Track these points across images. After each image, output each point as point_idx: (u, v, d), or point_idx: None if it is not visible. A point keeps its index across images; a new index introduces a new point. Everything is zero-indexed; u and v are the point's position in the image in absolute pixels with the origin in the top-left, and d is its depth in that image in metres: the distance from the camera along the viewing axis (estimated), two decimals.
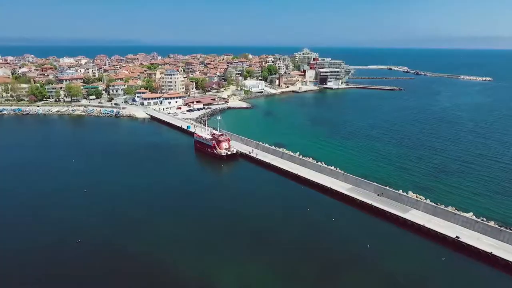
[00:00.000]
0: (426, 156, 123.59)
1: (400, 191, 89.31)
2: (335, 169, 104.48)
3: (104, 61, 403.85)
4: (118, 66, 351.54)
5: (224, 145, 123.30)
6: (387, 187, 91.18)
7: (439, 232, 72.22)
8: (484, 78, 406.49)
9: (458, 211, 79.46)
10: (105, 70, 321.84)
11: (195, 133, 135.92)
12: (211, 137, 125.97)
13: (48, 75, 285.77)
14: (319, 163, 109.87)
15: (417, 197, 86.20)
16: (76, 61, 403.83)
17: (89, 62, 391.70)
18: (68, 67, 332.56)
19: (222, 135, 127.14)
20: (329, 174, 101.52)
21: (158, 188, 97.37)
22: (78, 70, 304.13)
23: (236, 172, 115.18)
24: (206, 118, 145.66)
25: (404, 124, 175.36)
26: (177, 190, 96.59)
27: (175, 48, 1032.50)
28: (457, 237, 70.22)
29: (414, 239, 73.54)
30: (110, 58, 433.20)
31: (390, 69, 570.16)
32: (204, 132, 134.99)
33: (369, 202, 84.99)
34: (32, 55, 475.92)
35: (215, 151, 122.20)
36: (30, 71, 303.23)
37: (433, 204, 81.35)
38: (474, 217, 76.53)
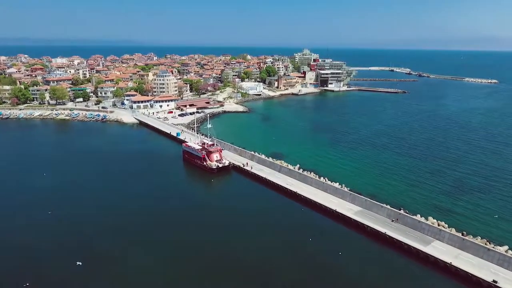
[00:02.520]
0: (439, 170, 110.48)
1: (418, 216, 76.17)
2: (340, 187, 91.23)
3: (98, 61, 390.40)
4: (112, 67, 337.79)
5: (215, 156, 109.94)
6: (402, 211, 78.04)
7: (470, 274, 58.97)
8: (490, 81, 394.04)
9: (490, 244, 66.25)
10: (97, 71, 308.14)
11: (184, 142, 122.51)
12: (200, 147, 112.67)
13: (36, 76, 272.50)
14: (322, 179, 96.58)
15: (439, 225, 72.98)
16: (70, 61, 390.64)
17: (81, 62, 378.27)
18: (57, 67, 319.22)
19: (213, 144, 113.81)
20: (333, 193, 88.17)
21: (135, 210, 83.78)
22: (68, 71, 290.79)
23: (227, 188, 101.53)
24: (195, 125, 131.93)
25: (411, 131, 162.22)
26: (156, 213, 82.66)
27: (175, 49, 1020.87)
28: (494, 281, 56.97)
29: (440, 281, 60.26)
30: (105, 59, 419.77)
31: (392, 70, 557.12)
32: (194, 141, 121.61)
33: (382, 230, 71.69)
34: (26, 55, 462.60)
35: (204, 163, 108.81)
36: (19, 71, 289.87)
37: (460, 235, 68.01)
38: (511, 253, 63.33)
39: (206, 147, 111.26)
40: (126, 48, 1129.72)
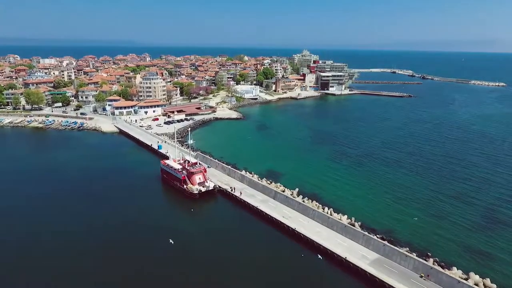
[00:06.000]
0: (465, 195, 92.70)
1: (454, 270, 58.16)
2: (349, 222, 73.28)
3: (88, 62, 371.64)
4: (101, 68, 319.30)
5: (198, 178, 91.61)
6: (432, 261, 60.08)
7: None
8: (497, 84, 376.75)
9: None
10: (85, 72, 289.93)
11: (163, 160, 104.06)
12: (181, 167, 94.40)
13: (17, 77, 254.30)
14: (326, 210, 78.66)
15: (485, 285, 54.87)
16: (59, 62, 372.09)
17: (70, 63, 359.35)
18: (43, 68, 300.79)
19: (196, 163, 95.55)
20: (342, 232, 70.02)
21: (81, 252, 65.67)
22: (52, 73, 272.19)
23: (209, 221, 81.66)
24: (176, 139, 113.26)
25: (424, 143, 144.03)
26: (109, 257, 64.59)
27: (174, 50, 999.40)
28: None
29: None
30: (97, 59, 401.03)
31: (394, 72, 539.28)
32: (175, 157, 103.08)
33: None
34: (16, 55, 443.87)
35: (185, 187, 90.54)
36: (2, 73, 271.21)
37: None
38: None
39: (187, 166, 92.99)
40: (126, 48, 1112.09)
